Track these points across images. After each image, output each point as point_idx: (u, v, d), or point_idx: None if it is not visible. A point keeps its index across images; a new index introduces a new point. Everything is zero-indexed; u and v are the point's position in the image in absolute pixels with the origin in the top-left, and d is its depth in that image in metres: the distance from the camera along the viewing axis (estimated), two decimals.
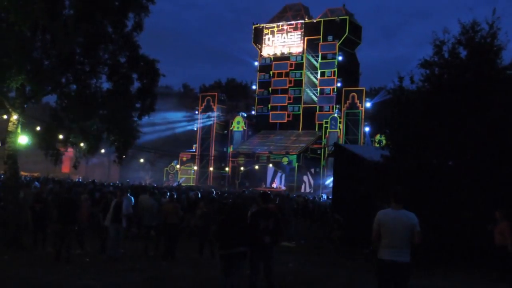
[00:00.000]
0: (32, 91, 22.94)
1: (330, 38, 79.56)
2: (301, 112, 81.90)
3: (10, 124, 21.82)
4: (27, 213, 17.57)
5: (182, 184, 69.06)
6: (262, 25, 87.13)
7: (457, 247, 15.81)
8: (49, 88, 23.72)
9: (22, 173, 36.73)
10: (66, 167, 73.62)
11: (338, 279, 13.57)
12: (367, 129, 73.17)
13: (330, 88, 79.29)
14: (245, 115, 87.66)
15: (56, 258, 14.19)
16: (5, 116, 23.05)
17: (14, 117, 21.64)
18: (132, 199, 18.17)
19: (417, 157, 16.84)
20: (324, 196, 30.13)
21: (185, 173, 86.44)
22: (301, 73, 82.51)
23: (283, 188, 74.02)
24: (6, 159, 21.18)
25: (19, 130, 21.97)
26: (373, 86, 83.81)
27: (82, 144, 25.53)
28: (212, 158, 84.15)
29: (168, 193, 19.91)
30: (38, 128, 27.06)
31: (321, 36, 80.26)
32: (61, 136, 26.35)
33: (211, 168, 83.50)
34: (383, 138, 21.08)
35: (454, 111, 16.52)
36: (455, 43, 17.89)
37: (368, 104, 74.58)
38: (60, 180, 39.72)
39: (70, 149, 28.06)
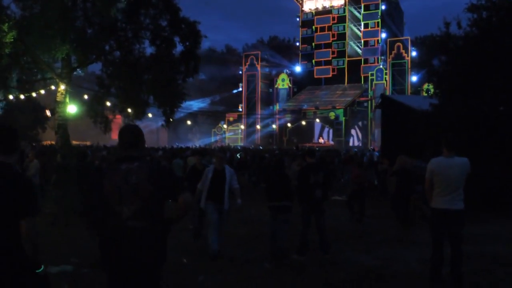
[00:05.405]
0: (77, 60, 23.28)
1: None
2: (345, 65, 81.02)
3: (58, 94, 22.26)
4: None
5: (231, 144, 69.60)
6: None
7: (507, 194, 15.53)
8: (93, 56, 24.05)
9: (73, 142, 37.48)
10: (115, 134, 74.72)
11: (390, 231, 13.51)
12: (414, 78, 71.98)
13: (374, 40, 78.10)
14: (290, 72, 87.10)
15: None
16: (53, 87, 23.51)
17: (62, 87, 22.05)
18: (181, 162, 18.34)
19: (467, 104, 16.47)
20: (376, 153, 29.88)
21: (232, 133, 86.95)
22: (344, 26, 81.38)
23: (331, 142, 73.89)
24: (57, 129, 21.67)
25: (67, 100, 22.40)
26: (419, 35, 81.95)
27: (129, 110, 25.93)
28: (259, 116, 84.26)
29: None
30: (86, 97, 27.56)
31: None
32: (108, 103, 26.82)
33: (258, 127, 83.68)
34: (431, 86, 20.64)
35: (504, 55, 16.01)
36: None
37: (414, 53, 73.25)
38: (107, 147, 40.43)
39: (118, 116, 28.54)
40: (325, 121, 76.93)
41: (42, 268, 4.16)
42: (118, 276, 4.28)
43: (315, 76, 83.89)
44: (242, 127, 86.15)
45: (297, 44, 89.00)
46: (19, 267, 3.99)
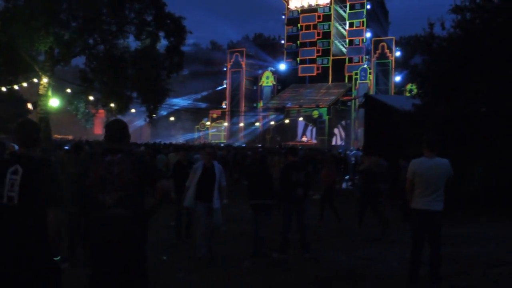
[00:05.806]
0: (60, 53, 23.09)
1: None
2: (330, 64, 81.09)
3: (40, 87, 22.06)
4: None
5: (213, 141, 69.46)
6: None
7: (490, 195, 15.64)
8: (77, 49, 23.87)
9: (55, 136, 37.19)
10: (98, 129, 74.34)
11: (371, 230, 13.55)
12: (397, 78, 72.28)
13: (359, 39, 78.23)
14: (274, 69, 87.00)
15: None
16: (35, 80, 23.29)
17: (44, 80, 21.86)
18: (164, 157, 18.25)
19: (450, 104, 16.57)
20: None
21: (215, 130, 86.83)
22: (329, 24, 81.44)
23: (314, 141, 74.01)
24: (39, 122, 21.44)
25: (50, 93, 22.22)
26: (403, 35, 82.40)
27: (112, 105, 25.78)
28: (242, 114, 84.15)
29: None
30: (68, 91, 27.34)
31: None
32: (91, 98, 26.64)
33: (241, 124, 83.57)
34: (414, 87, 20.76)
35: (487, 56, 16.12)
36: None
37: (398, 53, 73.60)
38: (89, 142, 40.13)
39: (101, 110, 28.37)
40: (309, 119, 77.02)
41: (59, 257, 4.57)
42: (103, 262, 4.58)
43: (300, 74, 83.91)
44: (226, 124, 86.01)
45: (282, 42, 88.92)
46: (42, 251, 4.31)
